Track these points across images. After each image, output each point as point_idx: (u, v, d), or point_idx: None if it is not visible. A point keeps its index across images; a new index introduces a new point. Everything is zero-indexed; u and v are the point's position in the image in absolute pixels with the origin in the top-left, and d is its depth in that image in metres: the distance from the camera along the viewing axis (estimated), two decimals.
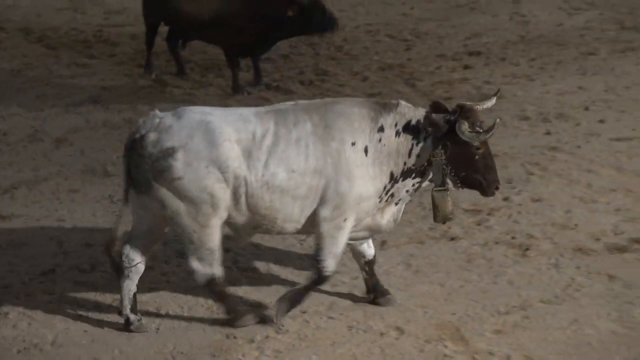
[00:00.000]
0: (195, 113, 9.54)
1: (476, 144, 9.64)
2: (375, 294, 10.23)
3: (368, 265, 10.18)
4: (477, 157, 9.72)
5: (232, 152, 9.39)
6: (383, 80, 15.23)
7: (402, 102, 9.85)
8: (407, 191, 9.91)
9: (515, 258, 11.14)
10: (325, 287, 10.48)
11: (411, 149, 9.66)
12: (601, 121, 14.08)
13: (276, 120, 9.57)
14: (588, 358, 9.56)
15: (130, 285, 9.74)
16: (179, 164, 9.31)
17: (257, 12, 14.73)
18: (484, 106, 9.78)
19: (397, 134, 9.65)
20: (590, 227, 11.70)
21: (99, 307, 10.40)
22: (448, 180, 9.76)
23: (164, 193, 9.39)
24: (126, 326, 9.91)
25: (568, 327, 9.95)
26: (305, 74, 15.35)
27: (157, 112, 9.53)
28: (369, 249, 10.14)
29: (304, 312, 10.26)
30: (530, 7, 17.71)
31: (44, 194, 12.59)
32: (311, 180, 9.53)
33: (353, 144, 9.55)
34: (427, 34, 16.78)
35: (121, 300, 9.85)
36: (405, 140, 9.65)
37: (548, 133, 13.76)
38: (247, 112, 9.68)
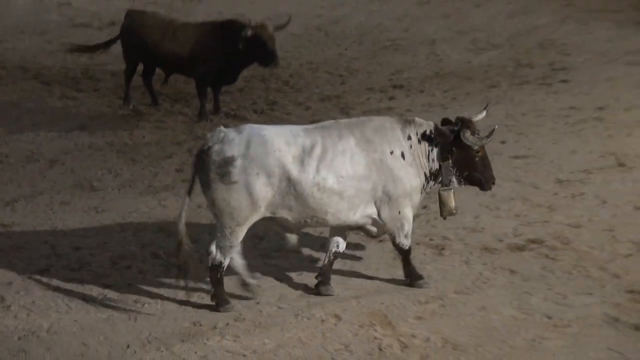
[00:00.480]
0: (253, 129, 10.01)
1: (476, 148, 10.37)
2: (321, 280, 10.51)
3: (334, 255, 10.56)
4: (477, 159, 10.44)
5: (281, 160, 9.86)
6: (323, 109, 15.29)
7: (417, 118, 10.48)
8: (427, 192, 10.66)
9: (432, 256, 11.32)
10: (276, 282, 10.60)
11: (429, 154, 10.27)
12: (502, 142, 14.22)
13: (322, 135, 10.09)
14: (494, 339, 9.74)
15: (238, 261, 10.32)
16: (236, 170, 9.80)
17: (220, 48, 14.79)
18: (478, 118, 10.52)
19: (419, 141, 10.30)
20: (494, 230, 11.93)
21: (86, 300, 10.44)
22: (453, 180, 10.42)
23: (218, 194, 9.90)
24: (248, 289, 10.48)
25: (477, 313, 10.17)
26: (257, 104, 15.41)
27: (222, 127, 10.04)
28: (343, 243, 10.57)
29: (257, 303, 10.37)
30: (443, 48, 17.74)
31: (39, 205, 12.63)
32: (359, 184, 10.08)
33: (391, 152, 10.17)
34: (359, 71, 16.80)
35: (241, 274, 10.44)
36: (425, 146, 10.28)
37: None
38: (297, 128, 10.19)
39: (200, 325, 10.04)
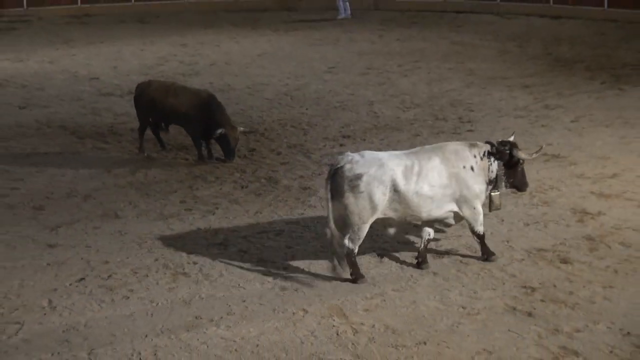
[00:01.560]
0: (372, 154, 10.84)
1: (522, 162, 11.19)
2: (421, 259, 11.22)
3: (427, 241, 11.31)
4: (519, 169, 11.22)
5: (393, 176, 10.59)
6: (290, 154, 15.31)
7: (478, 142, 11.21)
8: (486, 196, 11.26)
9: (375, 263, 11.30)
10: (255, 285, 10.55)
11: (489, 167, 11.02)
12: None
13: (417, 157, 10.82)
14: (422, 324, 9.77)
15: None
16: (363, 184, 10.49)
17: (203, 115, 14.76)
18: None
19: (481, 158, 10.99)
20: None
21: (113, 301, 10.42)
22: (502, 185, 11.16)
23: (350, 201, 10.57)
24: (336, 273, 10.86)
25: (409, 305, 10.16)
26: (240, 151, 15.34)
27: (349, 153, 10.81)
28: (432, 232, 11.32)
29: (243, 301, 10.34)
30: (379, 107, 17.81)
31: (77, 230, 12.50)
32: (444, 190, 10.83)
33: (464, 167, 10.90)
34: (316, 125, 16.81)
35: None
36: (486, 162, 11.02)
37: None
38: (399, 153, 11.05)
39: (201, 318, 10.02)
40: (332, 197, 10.60)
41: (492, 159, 11.02)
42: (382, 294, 10.46)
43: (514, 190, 11.50)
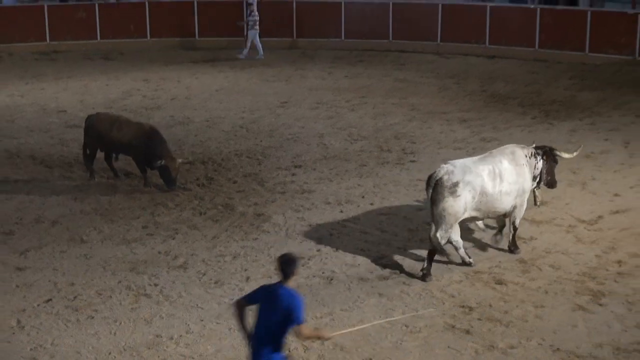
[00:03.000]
0: (462, 162, 11.82)
1: (558, 162, 12.60)
2: (513, 248, 12.30)
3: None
4: (554, 169, 12.54)
5: (482, 180, 11.63)
6: (245, 183, 15.29)
7: (525, 145, 12.47)
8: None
9: (324, 284, 11.38)
10: (213, 305, 10.50)
11: (536, 165, 12.26)
12: (371, 204, 14.23)
13: (492, 162, 11.88)
14: (369, 342, 9.93)
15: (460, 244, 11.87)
16: (459, 189, 11.48)
17: (145, 148, 14.75)
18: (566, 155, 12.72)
19: (530, 158, 12.21)
20: (367, 265, 11.97)
21: (79, 321, 10.41)
22: (542, 182, 12.44)
23: (448, 205, 11.49)
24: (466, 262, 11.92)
25: (357, 324, 10.14)
26: (199, 180, 15.35)
27: (443, 164, 11.78)
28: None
29: (202, 320, 10.32)
30: (328, 139, 17.84)
31: (44, 254, 12.42)
32: (514, 187, 11.91)
33: (522, 164, 12.06)
34: (270, 155, 16.82)
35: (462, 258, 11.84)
36: (533, 161, 12.27)
37: (341, 211, 13.88)
38: (476, 159, 12.03)
39: (161, 337, 10.09)
40: (433, 203, 11.56)
41: (538, 157, 12.30)
42: (330, 313, 10.53)
43: (548, 186, 12.57)
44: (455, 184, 11.48)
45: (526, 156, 12.17)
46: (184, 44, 29.09)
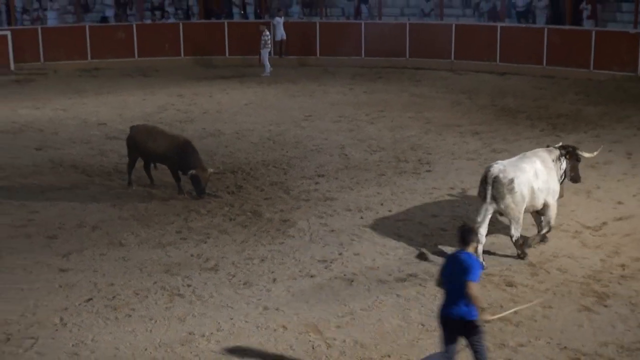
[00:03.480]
0: (514, 161, 12.20)
1: (580, 160, 12.86)
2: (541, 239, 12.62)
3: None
4: (577, 166, 12.88)
5: (529, 178, 11.98)
6: (272, 191, 15.28)
7: (552, 148, 12.80)
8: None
9: (345, 286, 11.30)
10: (242, 304, 10.49)
11: (561, 166, 12.60)
12: (390, 210, 14.16)
13: (529, 161, 12.17)
14: (387, 340, 9.84)
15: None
16: (516, 185, 11.80)
17: (179, 158, 14.79)
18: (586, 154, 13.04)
19: (554, 161, 12.49)
20: (385, 268, 11.88)
21: (117, 319, 10.43)
22: (566, 178, 12.78)
23: (509, 201, 11.82)
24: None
25: (375, 323, 10.22)
26: (229, 188, 15.34)
27: (499, 161, 12.19)
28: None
29: (231, 319, 10.32)
30: (349, 150, 17.82)
31: (85, 257, 12.45)
32: (545, 185, 12.18)
33: (550, 167, 12.34)
34: (295, 165, 16.81)
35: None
36: (559, 162, 12.60)
37: (361, 218, 13.83)
38: (514, 160, 12.31)
39: (194, 334, 10.06)
40: (493, 200, 11.81)
41: (562, 159, 12.61)
42: (351, 313, 10.48)
43: (572, 181, 12.90)
44: (512, 181, 11.79)
45: (553, 160, 12.46)
46: (215, 62, 29.20)
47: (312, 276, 11.56)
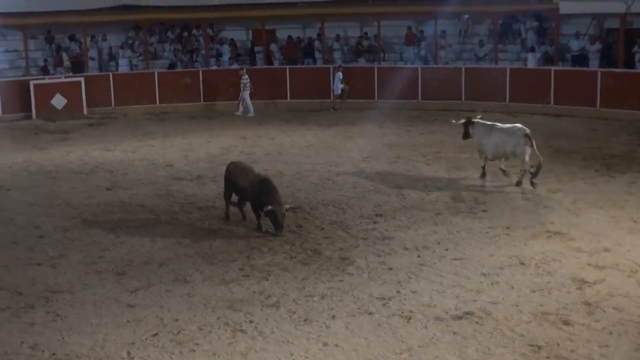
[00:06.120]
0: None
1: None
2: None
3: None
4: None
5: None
6: (331, 229, 15.26)
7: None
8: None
9: (403, 323, 11.14)
10: (302, 340, 10.41)
11: None
12: (446, 249, 14.05)
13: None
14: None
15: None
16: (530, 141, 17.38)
17: (258, 195, 14.94)
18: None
19: None
20: (442, 306, 11.69)
21: (181, 353, 10.38)
22: None
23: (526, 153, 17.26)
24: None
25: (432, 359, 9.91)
26: (290, 227, 15.33)
27: (518, 125, 16.54)
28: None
29: (291, 354, 10.22)
30: (406, 190, 17.75)
31: (152, 293, 12.54)
32: None
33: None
34: (354, 205, 16.79)
35: None
36: None
37: (419, 256, 13.75)
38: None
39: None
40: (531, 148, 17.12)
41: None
42: (409, 350, 10.34)
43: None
44: (529, 136, 17.32)
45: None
46: (277, 106, 29.48)
47: (370, 313, 11.45)
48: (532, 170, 17.22)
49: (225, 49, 31.43)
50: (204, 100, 29.82)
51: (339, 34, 31.39)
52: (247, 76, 28.69)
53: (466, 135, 18.83)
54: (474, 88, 28.10)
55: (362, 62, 30.78)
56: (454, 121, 19.06)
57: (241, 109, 28.54)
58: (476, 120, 18.69)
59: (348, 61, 30.93)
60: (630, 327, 10.88)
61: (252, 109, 28.35)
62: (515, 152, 17.48)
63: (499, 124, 18.18)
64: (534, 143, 17.20)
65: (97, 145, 23.63)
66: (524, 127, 17.48)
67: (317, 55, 30.98)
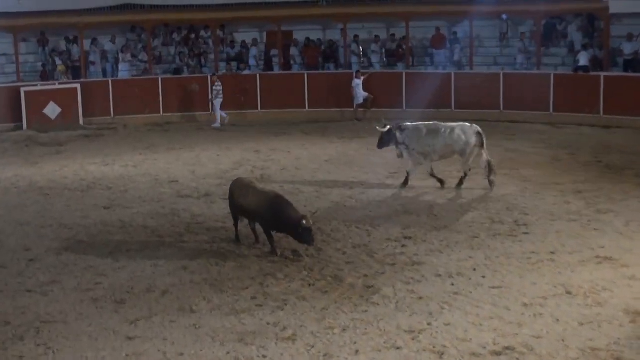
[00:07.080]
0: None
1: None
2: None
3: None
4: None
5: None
6: (354, 254, 15.26)
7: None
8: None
9: (435, 358, 11.08)
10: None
11: None
12: (483, 277, 14.01)
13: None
14: None
15: None
16: None
17: (272, 213, 14.94)
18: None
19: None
20: (479, 340, 11.65)
21: None
22: None
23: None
24: None
25: None
26: (308, 250, 15.25)
27: (473, 125, 17.51)
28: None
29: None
30: (439, 210, 17.82)
31: (154, 323, 12.54)
32: None
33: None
34: (380, 226, 16.80)
35: None
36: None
37: (452, 284, 13.69)
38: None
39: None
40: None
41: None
42: None
43: None
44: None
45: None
46: (294, 115, 29.53)
47: (398, 348, 11.39)
48: (486, 168, 18.90)
49: (254, 51, 31.40)
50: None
51: (377, 35, 31.33)
52: (219, 83, 29.09)
53: (383, 144, 19.78)
54: (514, 96, 28.05)
55: (400, 68, 30.65)
56: (377, 127, 19.96)
57: (218, 120, 28.93)
58: (404, 124, 19.59)
59: (385, 65, 30.94)
60: None
61: (219, 121, 28.83)
62: (464, 151, 18.93)
63: (441, 123, 19.49)
64: (484, 142, 18.96)
65: (95, 159, 23.75)
66: (475, 125, 19.17)
67: (354, 59, 30.86)
